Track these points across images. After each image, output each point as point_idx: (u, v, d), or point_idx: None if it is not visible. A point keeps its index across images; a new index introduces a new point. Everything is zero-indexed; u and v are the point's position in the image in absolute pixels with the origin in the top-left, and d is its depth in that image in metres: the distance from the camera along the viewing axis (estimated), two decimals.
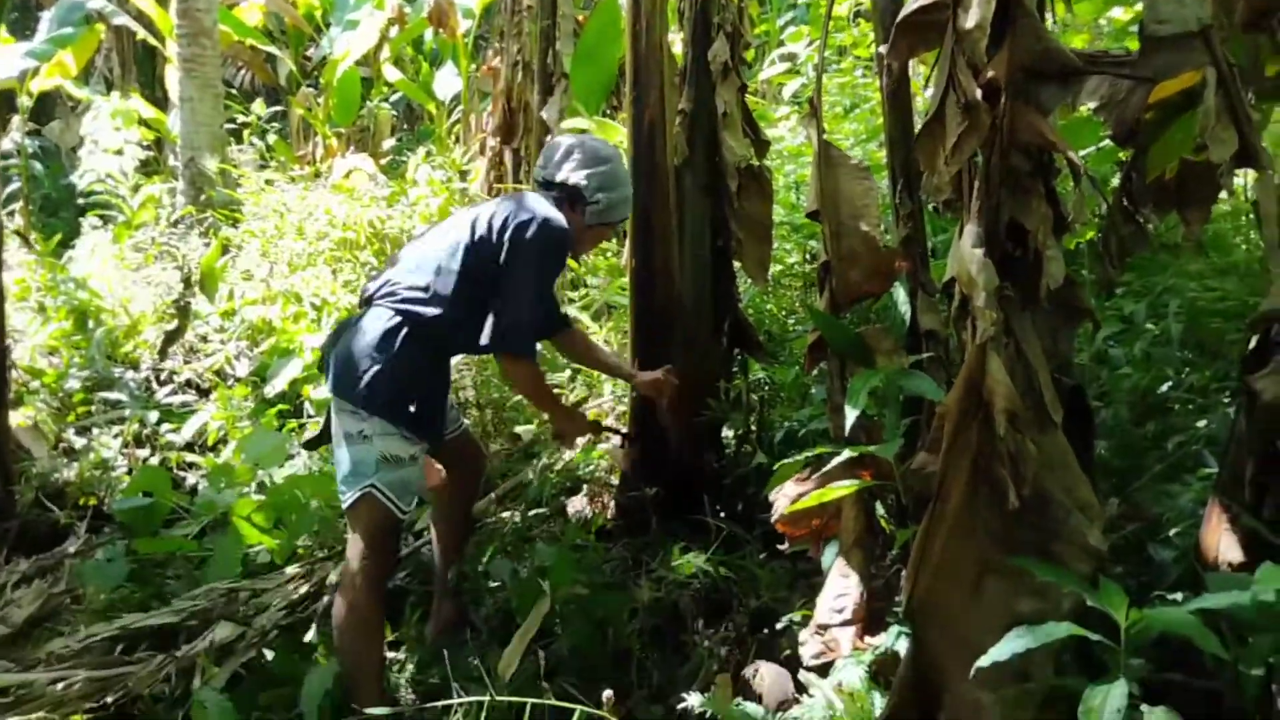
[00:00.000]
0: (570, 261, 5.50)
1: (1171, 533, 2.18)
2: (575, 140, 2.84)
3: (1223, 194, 2.03)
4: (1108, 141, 3.12)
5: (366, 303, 2.70)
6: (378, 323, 2.59)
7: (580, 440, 3.26)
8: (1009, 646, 1.61)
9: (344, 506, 2.59)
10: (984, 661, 1.60)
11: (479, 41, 9.05)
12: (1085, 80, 1.89)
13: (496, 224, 2.65)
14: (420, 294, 2.61)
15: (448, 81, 8.12)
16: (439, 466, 2.85)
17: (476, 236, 2.65)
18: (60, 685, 2.49)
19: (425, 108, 8.81)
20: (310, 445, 3.18)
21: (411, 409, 2.56)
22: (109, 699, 2.47)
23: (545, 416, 3.12)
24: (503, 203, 2.77)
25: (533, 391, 2.93)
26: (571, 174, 2.73)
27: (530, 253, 2.62)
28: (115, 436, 4.38)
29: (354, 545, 2.55)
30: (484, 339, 2.64)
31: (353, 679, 2.51)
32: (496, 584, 2.94)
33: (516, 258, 2.61)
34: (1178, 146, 2.03)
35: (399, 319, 2.59)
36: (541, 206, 2.69)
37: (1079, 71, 1.86)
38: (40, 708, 2.41)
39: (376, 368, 2.53)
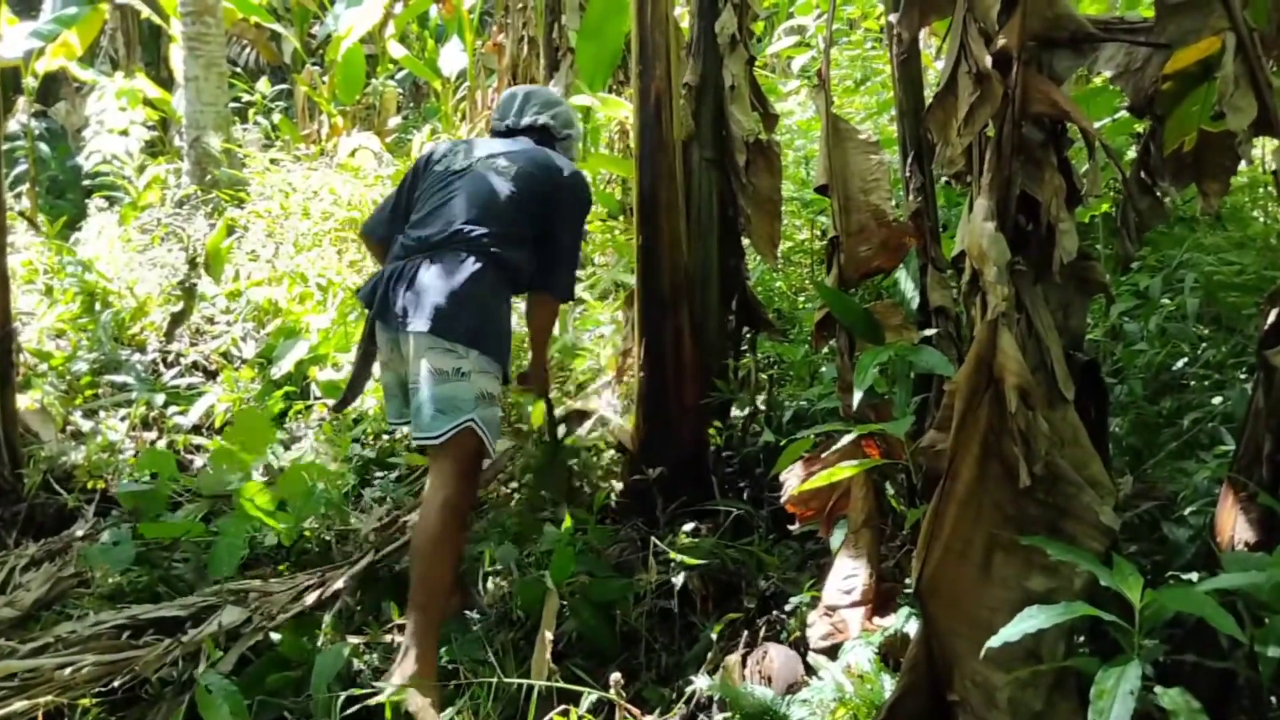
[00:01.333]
0: None
1: (1187, 511, 2.15)
2: (526, 89, 3.17)
3: (1240, 165, 1.98)
4: (1123, 112, 3.06)
5: (425, 249, 2.75)
6: (465, 266, 2.70)
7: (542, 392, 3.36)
8: (1021, 626, 1.58)
9: (432, 446, 2.64)
10: (995, 641, 1.58)
11: (484, 17, 8.96)
12: (1100, 48, 1.84)
13: (529, 172, 2.86)
14: (496, 237, 2.76)
15: (453, 58, 8.05)
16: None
17: (513, 180, 2.84)
18: (69, 670, 2.50)
19: (430, 85, 8.74)
20: (339, 407, 3.26)
21: (507, 347, 2.78)
22: (116, 683, 2.47)
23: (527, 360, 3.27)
24: (500, 145, 2.96)
25: (548, 332, 3.18)
26: (538, 117, 3.00)
27: (581, 208, 2.95)
28: (122, 419, 4.38)
29: (443, 475, 2.61)
30: (560, 290, 2.96)
31: (423, 597, 2.51)
32: (500, 568, 2.92)
33: (572, 213, 2.92)
34: (1196, 117, 1.98)
35: (480, 263, 2.72)
36: (558, 157, 2.96)
37: (1093, 38, 1.81)
38: (48, 691, 2.42)
39: (481, 309, 2.68)
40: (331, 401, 4.24)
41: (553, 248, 2.89)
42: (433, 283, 2.67)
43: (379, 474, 3.80)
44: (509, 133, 3.03)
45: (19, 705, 2.33)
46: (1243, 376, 2.66)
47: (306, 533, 3.25)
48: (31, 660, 2.55)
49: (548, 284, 2.96)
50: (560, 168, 2.93)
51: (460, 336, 2.63)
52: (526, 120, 2.99)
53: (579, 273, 3.05)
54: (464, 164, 2.91)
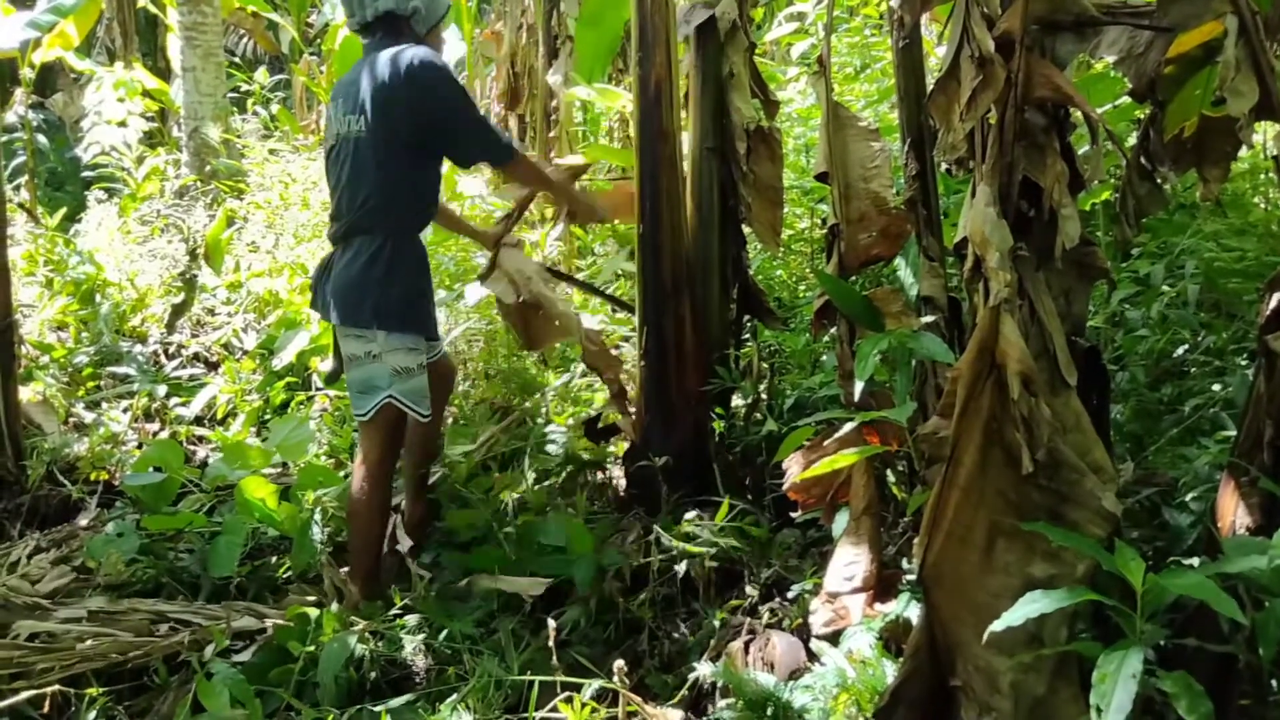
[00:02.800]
0: (578, 230, 5.50)
1: (1188, 497, 2.15)
2: None
3: (1241, 150, 1.98)
4: (1124, 98, 3.06)
5: (340, 242, 2.90)
6: (361, 251, 2.81)
7: (600, 213, 3.47)
8: (1023, 611, 1.59)
9: (361, 421, 2.86)
10: (998, 626, 1.59)
11: (482, 5, 8.92)
12: (1103, 32, 1.84)
13: (380, 103, 2.73)
14: (374, 206, 2.79)
15: (451, 46, 8.01)
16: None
17: (376, 130, 2.75)
18: (88, 642, 2.53)
19: None
20: (331, 379, 3.35)
21: (414, 316, 2.84)
22: (127, 665, 2.50)
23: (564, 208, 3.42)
24: (351, 78, 2.85)
25: (541, 180, 3.20)
26: (379, 3, 2.81)
27: (431, 97, 2.76)
28: (125, 411, 4.38)
29: (367, 444, 2.86)
30: (470, 157, 2.96)
31: (357, 551, 2.91)
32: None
33: (433, 105, 2.76)
34: (1197, 102, 1.98)
35: (374, 239, 2.80)
36: (399, 57, 2.74)
37: (1096, 23, 1.81)
38: (62, 660, 2.45)
39: (375, 290, 2.77)
40: (333, 392, 4.25)
41: (449, 136, 2.85)
42: (339, 274, 2.85)
43: None
44: (363, 31, 2.90)
45: (25, 694, 2.33)
46: (1243, 362, 2.66)
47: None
48: (56, 626, 2.62)
49: (462, 161, 3.01)
50: (393, 74, 2.71)
51: (365, 321, 2.77)
52: (370, 14, 2.84)
53: (498, 136, 2.96)
54: (333, 140, 2.91)
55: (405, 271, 2.83)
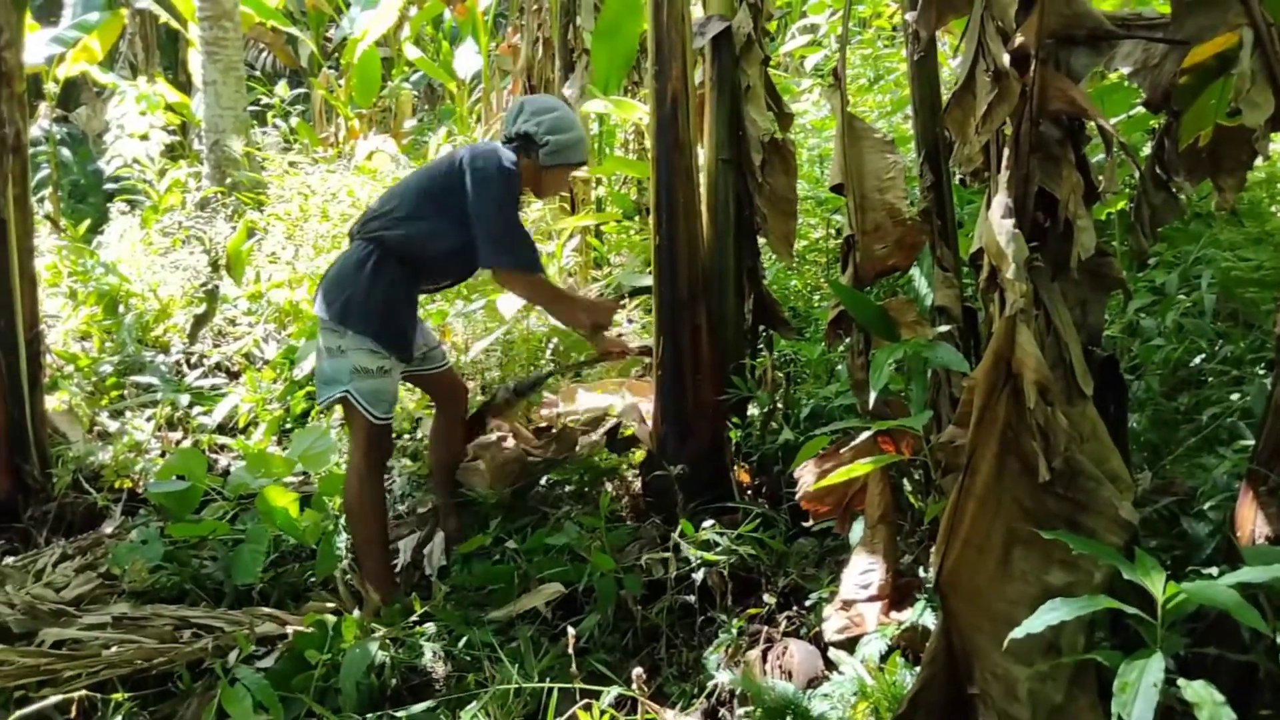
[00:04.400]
0: (594, 241, 5.54)
1: (1206, 506, 2.15)
2: (527, 98, 3.32)
3: (1258, 160, 1.98)
4: (1139, 109, 3.06)
5: (350, 239, 3.16)
6: (354, 254, 3.05)
7: (611, 335, 3.41)
8: (1043, 619, 1.59)
9: (320, 407, 3.27)
10: (1018, 633, 1.59)
11: (498, 19, 9.01)
12: (1117, 45, 1.85)
13: (458, 160, 3.07)
14: (388, 220, 3.03)
15: (468, 60, 8.09)
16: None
17: (441, 169, 3.10)
18: (113, 649, 2.56)
19: (446, 87, 8.79)
20: None
21: (379, 324, 2.97)
22: (152, 672, 2.53)
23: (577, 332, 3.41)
24: (467, 148, 3.19)
25: (543, 298, 3.24)
26: (524, 124, 3.11)
27: (482, 182, 2.99)
28: (148, 419, 4.44)
29: (352, 444, 3.06)
30: (484, 259, 3.03)
31: (361, 550, 3.05)
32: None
33: (474, 188, 2.99)
34: (1212, 112, 1.99)
35: (370, 247, 3.02)
36: (495, 149, 3.10)
37: (1111, 36, 1.82)
38: (88, 666, 2.48)
39: (350, 290, 2.97)
40: None
41: (475, 217, 3.00)
42: (331, 270, 3.11)
43: (398, 473, 3.84)
44: (507, 140, 3.17)
45: (53, 699, 2.36)
46: (1261, 372, 2.66)
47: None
48: (81, 633, 2.66)
49: (482, 260, 3.06)
50: (479, 153, 3.06)
51: (334, 316, 2.98)
52: (514, 129, 3.14)
53: (522, 248, 3.06)
54: (426, 166, 3.27)
55: (385, 286, 2.99)
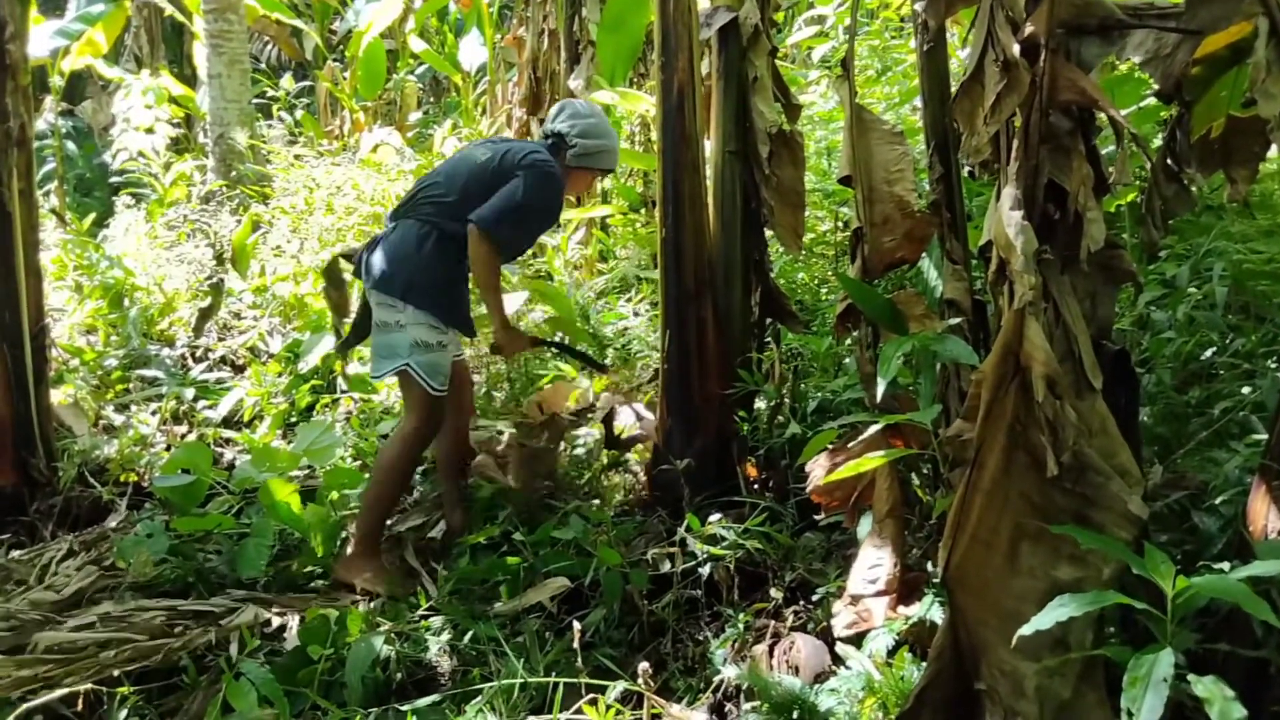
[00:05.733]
0: (600, 233, 5.53)
1: (1218, 501, 2.13)
2: (569, 101, 3.45)
3: (1271, 151, 1.96)
4: (1149, 100, 3.03)
5: (398, 216, 3.23)
6: (409, 232, 3.13)
7: (514, 352, 3.52)
8: (1053, 615, 1.58)
9: (377, 380, 3.29)
10: (1028, 629, 1.58)
11: (503, 10, 8.97)
12: (1129, 34, 1.83)
13: (512, 157, 3.17)
14: (445, 207, 3.13)
15: (473, 52, 8.07)
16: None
17: (495, 165, 3.16)
18: (111, 652, 2.55)
19: (451, 79, 8.77)
20: (344, 347, 3.66)
21: (445, 300, 3.11)
22: (153, 667, 2.52)
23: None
24: (516, 142, 3.35)
25: (486, 278, 3.19)
26: (560, 124, 3.28)
27: (529, 176, 3.11)
28: (153, 413, 4.44)
29: (408, 410, 3.15)
30: (477, 213, 3.07)
31: (366, 507, 3.10)
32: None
33: (521, 179, 3.11)
34: (1225, 102, 1.96)
35: (428, 227, 3.12)
36: (544, 150, 3.24)
37: (1123, 25, 1.80)
38: (86, 669, 2.47)
39: (411, 266, 3.08)
40: (358, 395, 4.29)
41: (499, 193, 3.10)
42: (386, 247, 3.16)
43: None
44: (545, 137, 3.34)
45: (60, 692, 2.36)
46: (1273, 365, 2.63)
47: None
48: (74, 634, 2.61)
49: (478, 212, 3.10)
50: (533, 152, 3.18)
51: (396, 292, 3.07)
52: (550, 127, 3.32)
53: (510, 235, 3.14)
54: (460, 152, 3.37)
55: (449, 264, 3.13)
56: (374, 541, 3.11)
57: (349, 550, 3.08)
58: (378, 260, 3.15)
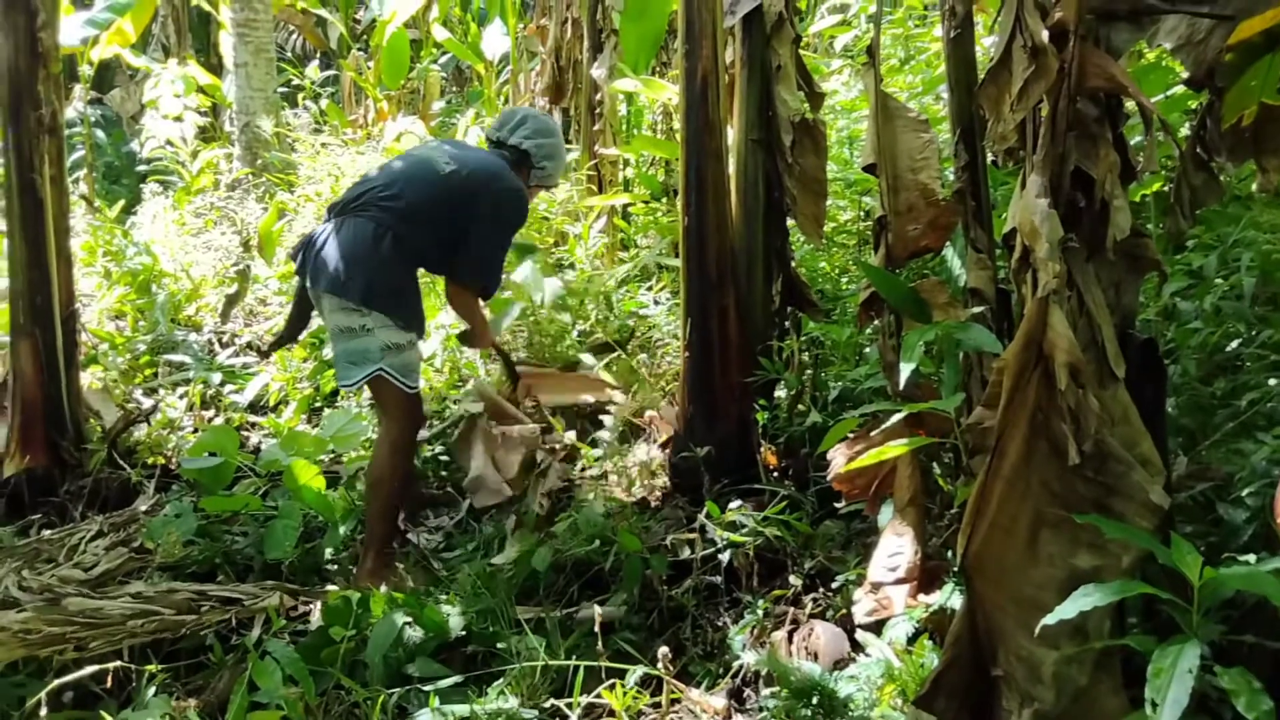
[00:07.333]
0: (620, 222, 5.53)
1: (1244, 492, 2.12)
2: (527, 111, 3.38)
3: None
4: (1178, 87, 2.99)
5: (341, 212, 3.08)
6: (364, 231, 2.99)
7: (483, 347, 3.70)
8: (1075, 604, 1.57)
9: (346, 388, 3.15)
10: (1050, 619, 1.57)
11: (526, 0, 8.97)
12: (1160, 20, 1.81)
13: (478, 181, 3.10)
14: (397, 211, 3.01)
15: (496, 41, 8.06)
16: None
17: (459, 182, 3.08)
18: (140, 621, 2.60)
19: (474, 68, 8.78)
20: (278, 344, 3.63)
21: (406, 303, 3.04)
22: (180, 644, 2.57)
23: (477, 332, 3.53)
24: (470, 151, 3.27)
25: (474, 318, 3.37)
26: (524, 140, 3.22)
27: (498, 219, 3.12)
28: (181, 397, 4.50)
29: (386, 419, 3.11)
30: (460, 275, 3.15)
31: (374, 518, 3.05)
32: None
33: (488, 221, 3.09)
34: (1257, 90, 1.94)
35: (382, 229, 2.99)
36: (508, 171, 3.17)
37: (1154, 10, 1.78)
38: (113, 634, 2.52)
39: (370, 268, 2.95)
40: None
41: (465, 244, 3.11)
42: (337, 247, 2.99)
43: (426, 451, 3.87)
44: (497, 145, 3.28)
45: (90, 669, 2.40)
46: None
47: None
48: (102, 601, 2.68)
49: (452, 271, 3.21)
50: (500, 177, 3.13)
51: (355, 296, 2.94)
52: (513, 139, 3.24)
53: (496, 279, 3.32)
54: (419, 150, 3.27)
55: (405, 265, 3.08)
56: (388, 550, 3.09)
57: (366, 563, 3.02)
58: (329, 260, 2.98)
